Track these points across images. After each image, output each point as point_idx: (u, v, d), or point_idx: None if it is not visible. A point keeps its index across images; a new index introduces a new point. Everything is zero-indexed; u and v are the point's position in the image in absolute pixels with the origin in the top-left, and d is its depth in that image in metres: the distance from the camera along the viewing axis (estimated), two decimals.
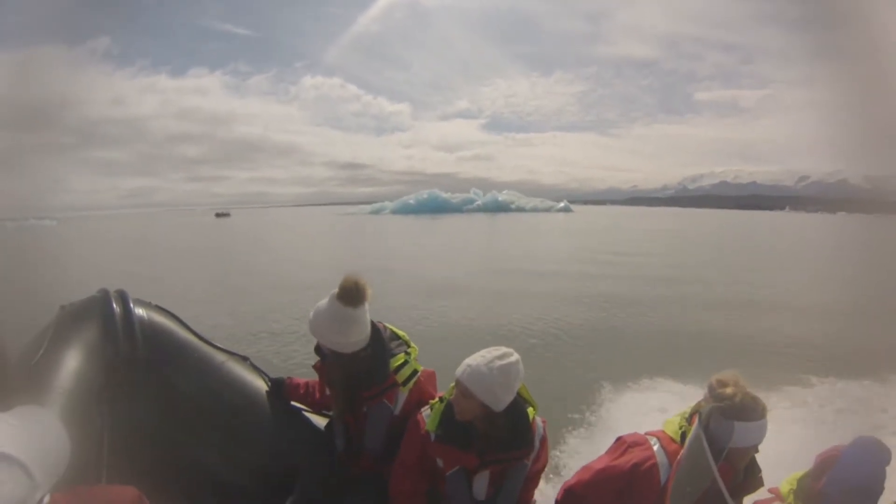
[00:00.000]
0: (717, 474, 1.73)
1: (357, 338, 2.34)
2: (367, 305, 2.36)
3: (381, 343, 2.42)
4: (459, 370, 2.11)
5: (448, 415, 2.19)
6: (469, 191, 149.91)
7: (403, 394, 2.41)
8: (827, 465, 2.12)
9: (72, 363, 2.30)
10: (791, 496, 2.20)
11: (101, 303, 2.61)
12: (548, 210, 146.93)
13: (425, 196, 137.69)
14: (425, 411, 2.27)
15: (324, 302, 2.34)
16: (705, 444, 1.84)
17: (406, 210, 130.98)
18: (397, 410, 2.41)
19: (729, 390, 1.93)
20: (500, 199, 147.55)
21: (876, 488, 1.98)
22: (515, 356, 2.12)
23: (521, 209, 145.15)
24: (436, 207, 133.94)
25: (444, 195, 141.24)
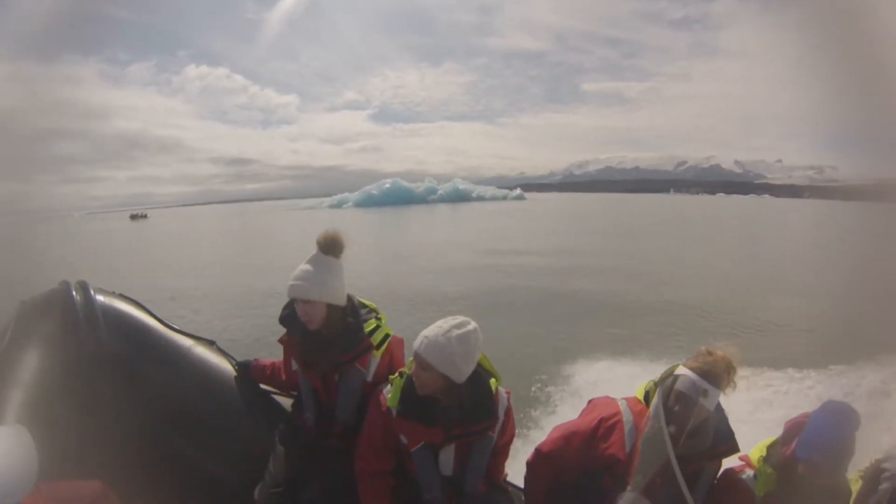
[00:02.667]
0: (670, 448, 1.76)
1: (338, 287, 2.32)
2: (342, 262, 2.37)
3: (354, 306, 2.40)
4: (417, 342, 2.05)
5: (409, 390, 2.12)
6: (423, 180, 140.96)
7: (375, 358, 2.38)
8: (796, 430, 2.12)
9: (34, 358, 2.27)
10: (760, 462, 2.18)
11: (61, 295, 2.55)
12: (504, 198, 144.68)
13: (388, 186, 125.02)
14: (385, 388, 2.22)
15: (303, 262, 2.32)
16: (661, 411, 1.91)
17: (370, 203, 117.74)
18: (370, 376, 2.36)
19: (709, 357, 2.00)
20: (460, 187, 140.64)
21: (844, 452, 1.99)
22: (473, 325, 2.07)
23: (481, 198, 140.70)
24: (399, 198, 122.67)
25: (407, 185, 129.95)
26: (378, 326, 2.43)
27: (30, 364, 2.23)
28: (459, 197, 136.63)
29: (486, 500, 2.24)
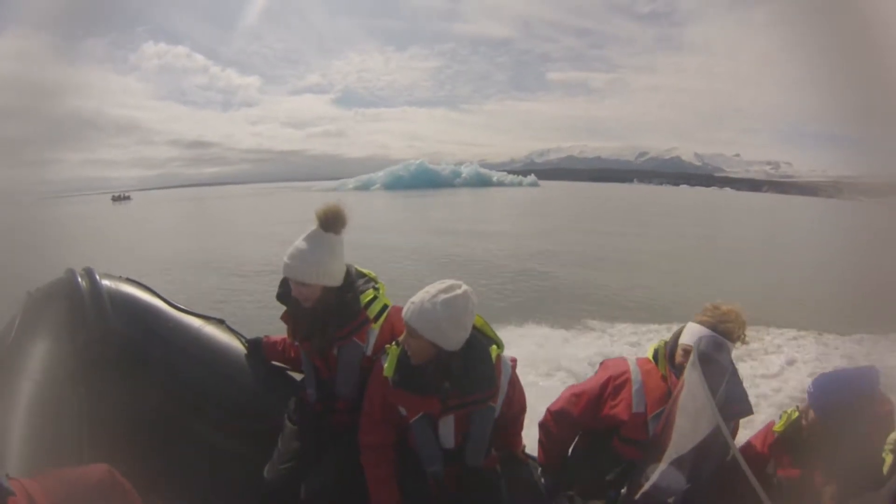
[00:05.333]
0: (720, 421, 1.64)
1: (336, 268, 2.20)
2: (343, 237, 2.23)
3: (350, 279, 2.28)
4: (404, 309, 1.96)
5: (404, 359, 2.02)
6: (440, 163, 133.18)
7: (374, 331, 2.26)
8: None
9: (43, 347, 2.26)
10: (782, 428, 2.17)
11: (67, 283, 2.55)
12: (519, 185, 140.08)
13: (414, 168, 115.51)
14: (385, 358, 2.09)
15: (300, 239, 2.16)
16: (702, 380, 1.73)
17: (398, 185, 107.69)
18: (369, 350, 2.25)
19: (719, 311, 1.97)
20: (480, 171, 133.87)
21: (848, 414, 1.92)
22: (464, 288, 1.92)
23: (501, 183, 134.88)
24: (426, 181, 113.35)
25: (432, 167, 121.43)
26: (375, 297, 2.29)
27: (38, 354, 2.19)
28: (481, 181, 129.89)
29: (487, 475, 2.15)
